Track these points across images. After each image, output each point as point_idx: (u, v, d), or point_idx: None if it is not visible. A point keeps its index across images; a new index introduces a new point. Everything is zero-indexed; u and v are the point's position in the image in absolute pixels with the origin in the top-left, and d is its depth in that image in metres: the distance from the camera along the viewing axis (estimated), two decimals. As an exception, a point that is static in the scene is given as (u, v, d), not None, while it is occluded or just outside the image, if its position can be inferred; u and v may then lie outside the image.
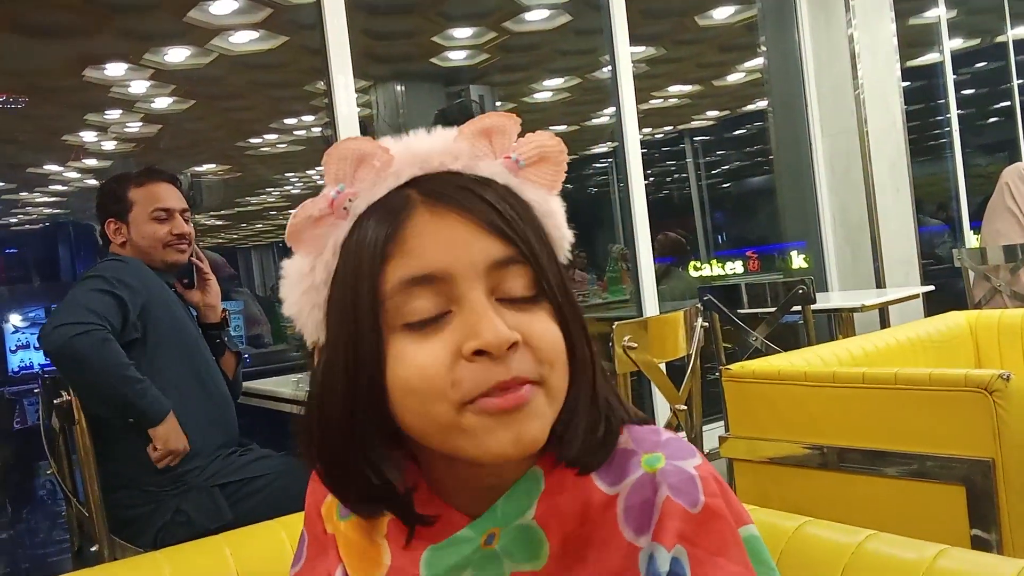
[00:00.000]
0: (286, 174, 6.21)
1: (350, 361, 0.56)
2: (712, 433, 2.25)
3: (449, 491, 0.61)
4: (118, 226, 2.04)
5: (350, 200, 0.57)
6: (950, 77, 5.12)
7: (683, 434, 2.24)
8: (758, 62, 5.01)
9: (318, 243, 0.58)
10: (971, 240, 5.07)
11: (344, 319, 0.56)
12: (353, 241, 0.57)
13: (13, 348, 3.33)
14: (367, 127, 3.70)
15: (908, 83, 4.54)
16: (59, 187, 4.62)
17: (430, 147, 0.58)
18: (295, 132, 5.22)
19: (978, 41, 5.99)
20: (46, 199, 4.66)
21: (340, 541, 0.65)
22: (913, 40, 5.06)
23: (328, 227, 0.58)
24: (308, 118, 4.82)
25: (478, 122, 0.59)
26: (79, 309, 1.77)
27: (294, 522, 0.96)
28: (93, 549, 1.81)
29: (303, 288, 0.59)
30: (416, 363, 0.54)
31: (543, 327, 0.56)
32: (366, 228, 0.56)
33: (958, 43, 5.54)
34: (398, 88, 4.30)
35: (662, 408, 3.31)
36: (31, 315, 3.59)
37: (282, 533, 0.95)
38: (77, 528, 2.06)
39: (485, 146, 0.59)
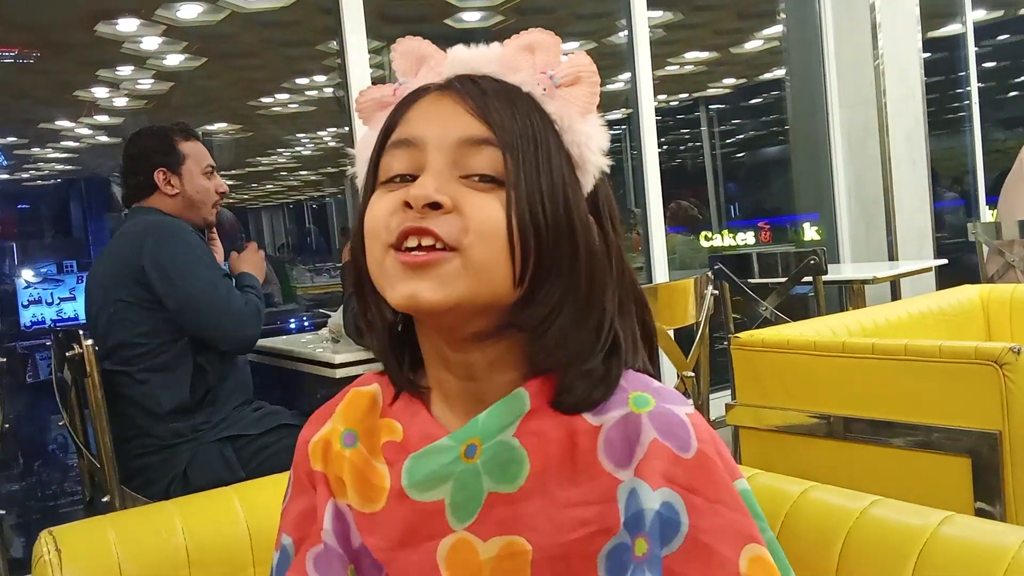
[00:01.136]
0: (297, 135, 6.19)
1: (357, 214, 0.64)
2: (718, 401, 2.26)
3: (443, 392, 0.65)
4: (168, 177, 2.03)
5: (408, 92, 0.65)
6: (971, 49, 5.04)
7: (690, 401, 2.25)
8: (777, 29, 4.94)
9: (380, 121, 0.66)
10: (987, 215, 5.02)
11: (366, 176, 0.65)
12: None
13: (25, 303, 3.36)
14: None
15: (928, 54, 4.47)
16: (71, 143, 4.62)
17: (474, 54, 0.65)
18: (307, 92, 5.19)
19: (1001, 13, 5.87)
20: (58, 155, 4.66)
21: (346, 468, 0.66)
22: (935, 11, 4.96)
23: (388, 112, 0.66)
24: (320, 78, 4.79)
25: (522, 37, 0.64)
26: (236, 304, 1.94)
27: (303, 476, 0.97)
28: (105, 500, 1.84)
29: (364, 158, 0.66)
30: (375, 210, 0.61)
31: (482, 203, 0.59)
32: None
33: (981, 14, 5.43)
34: (411, 49, 4.25)
35: (669, 375, 3.32)
36: (43, 271, 3.61)
37: (291, 486, 0.96)
38: (89, 479, 2.09)
39: (526, 59, 0.63)
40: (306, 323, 2.94)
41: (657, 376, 0.67)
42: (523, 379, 0.63)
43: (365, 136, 0.67)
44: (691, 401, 0.62)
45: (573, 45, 5.26)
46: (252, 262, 2.15)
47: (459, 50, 0.65)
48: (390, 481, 0.64)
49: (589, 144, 0.62)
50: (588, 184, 0.63)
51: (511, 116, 0.60)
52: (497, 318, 0.61)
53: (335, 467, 0.68)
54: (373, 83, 2.98)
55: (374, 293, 0.63)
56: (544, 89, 0.62)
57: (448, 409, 0.65)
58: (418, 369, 0.67)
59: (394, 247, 0.59)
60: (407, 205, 0.58)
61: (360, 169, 0.67)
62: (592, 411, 0.61)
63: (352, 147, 0.69)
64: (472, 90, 0.61)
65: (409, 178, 0.61)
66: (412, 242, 0.58)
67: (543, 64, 0.63)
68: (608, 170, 0.64)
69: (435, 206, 0.58)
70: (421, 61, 0.65)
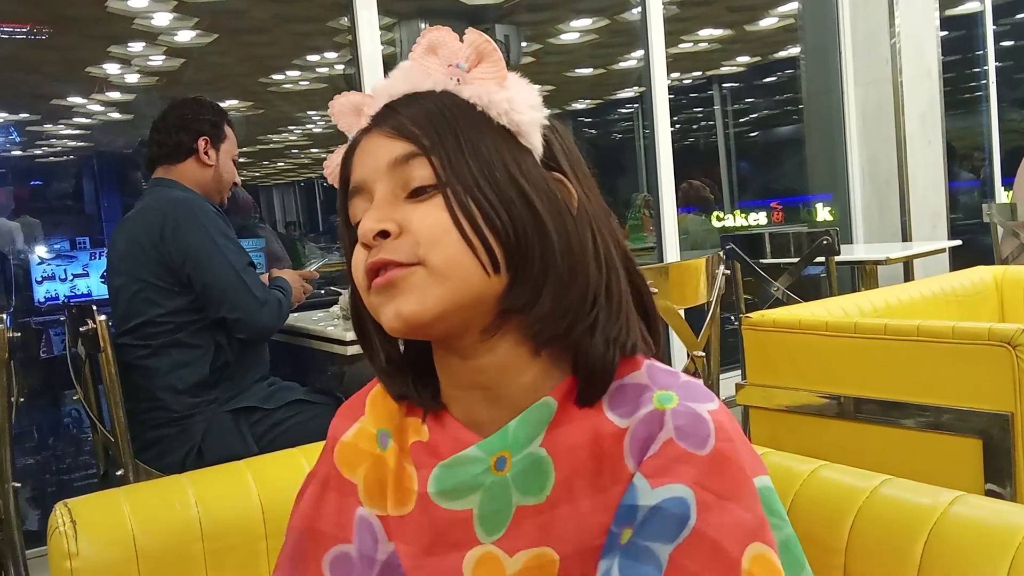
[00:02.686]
0: (308, 112, 6.17)
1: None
2: (728, 381, 2.25)
3: (459, 407, 0.65)
4: (207, 147, 2.06)
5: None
6: (990, 27, 4.97)
7: (700, 380, 2.25)
8: (792, 7, 4.88)
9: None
10: (1002, 196, 4.97)
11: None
12: None
13: (39, 279, 3.37)
14: (390, 66, 3.66)
15: (946, 32, 4.41)
16: (83, 119, 4.62)
17: (392, 80, 0.66)
18: (318, 69, 5.17)
19: (1021, -10, 5.78)
20: (70, 131, 4.67)
21: (384, 471, 0.66)
22: (954, -13, 4.90)
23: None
24: (331, 55, 4.77)
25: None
26: (260, 292, 1.96)
27: (314, 451, 0.98)
28: (119, 473, 1.86)
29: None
30: (353, 264, 0.63)
31: (424, 213, 0.60)
32: None
33: (1000, -8, 5.35)
34: (422, 25, 4.24)
35: (679, 354, 3.32)
36: (56, 247, 3.63)
37: (303, 461, 0.97)
38: (103, 453, 2.11)
39: (433, 61, 0.64)
40: (322, 293, 2.95)
41: (657, 345, 0.66)
42: (540, 377, 0.62)
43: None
44: (717, 397, 0.61)
45: (586, 22, 5.21)
46: (293, 279, 2.20)
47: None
48: (418, 484, 0.64)
49: (515, 107, 0.61)
50: (537, 144, 0.62)
51: (425, 121, 0.61)
52: (492, 310, 0.61)
53: (370, 471, 0.67)
54: (384, 60, 2.97)
55: (379, 334, 0.65)
56: (457, 80, 0.63)
57: (470, 417, 0.65)
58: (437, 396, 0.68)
59: (369, 286, 0.61)
60: (365, 246, 0.61)
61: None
62: (619, 413, 0.61)
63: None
64: (387, 116, 0.63)
65: None
66: (381, 276, 0.60)
67: (448, 58, 0.63)
68: (548, 121, 0.64)
69: (383, 234, 0.60)
70: (358, 111, 0.66)
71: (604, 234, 0.64)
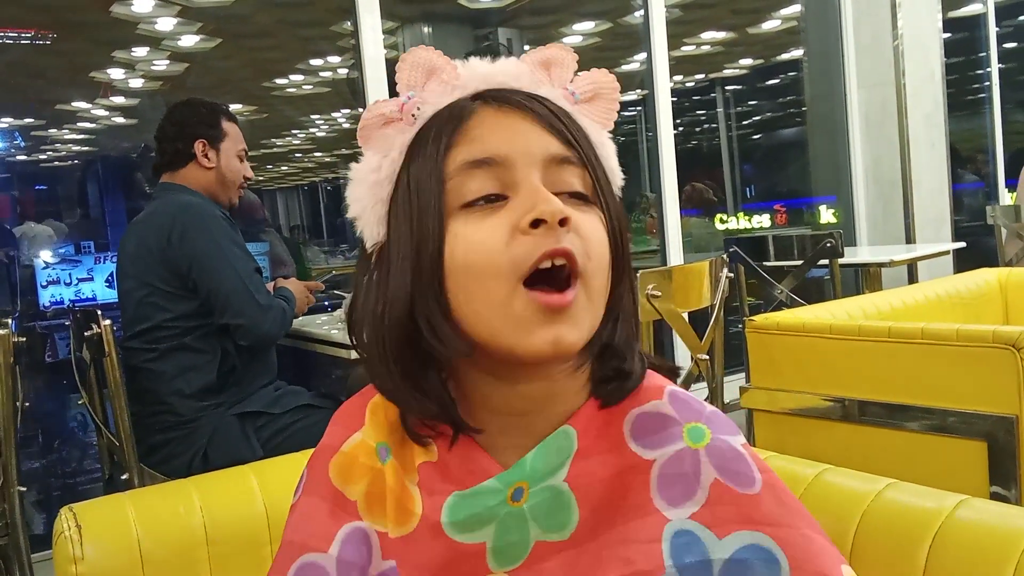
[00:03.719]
0: (311, 116, 6.19)
1: (414, 243, 0.57)
2: (732, 384, 2.25)
3: (484, 430, 0.61)
4: (206, 149, 2.04)
5: (418, 108, 0.60)
6: (992, 29, 4.96)
7: (704, 384, 2.25)
8: (795, 9, 4.88)
9: (386, 143, 0.61)
10: (1006, 198, 4.96)
11: (409, 203, 0.58)
12: (419, 141, 0.60)
13: (44, 284, 3.38)
14: (393, 69, 3.67)
15: (949, 34, 4.41)
16: (87, 124, 4.64)
17: (492, 68, 0.61)
18: (321, 74, 5.18)
19: (1024, -8, 5.78)
20: (75, 136, 4.68)
21: (383, 485, 0.62)
22: (956, -11, 4.90)
23: (396, 130, 0.61)
24: (334, 59, 4.78)
25: (538, 53, 0.62)
26: (264, 299, 1.95)
27: (319, 455, 0.98)
28: (124, 477, 1.86)
29: (369, 183, 0.61)
30: (476, 238, 0.55)
31: (592, 225, 0.57)
32: (432, 128, 0.59)
33: (1003, -7, 5.35)
34: (425, 30, 4.24)
35: (683, 357, 3.32)
36: (61, 251, 3.64)
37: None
38: (108, 457, 2.11)
39: (544, 75, 0.62)
40: (326, 304, 2.95)
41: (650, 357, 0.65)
42: (569, 404, 0.60)
43: (368, 161, 0.62)
44: (736, 425, 0.61)
45: (589, 25, 5.21)
46: (298, 288, 2.17)
47: (477, 64, 0.61)
48: (422, 508, 0.60)
49: (614, 159, 0.63)
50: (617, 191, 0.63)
51: (577, 131, 0.59)
52: None
53: (370, 486, 0.62)
54: (387, 64, 2.97)
55: (444, 331, 0.57)
56: (568, 104, 0.62)
57: (492, 442, 0.61)
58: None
59: (525, 282, 0.54)
60: (533, 225, 0.54)
61: (366, 195, 0.61)
62: (643, 444, 0.59)
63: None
64: (535, 104, 0.59)
65: (493, 198, 0.56)
66: (546, 264, 0.54)
67: (559, 80, 0.62)
68: (623, 183, 0.64)
69: (563, 222, 0.54)
70: (431, 73, 0.60)
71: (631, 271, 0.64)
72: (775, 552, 0.54)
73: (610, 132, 0.64)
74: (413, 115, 0.60)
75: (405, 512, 0.60)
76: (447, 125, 0.58)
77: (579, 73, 0.63)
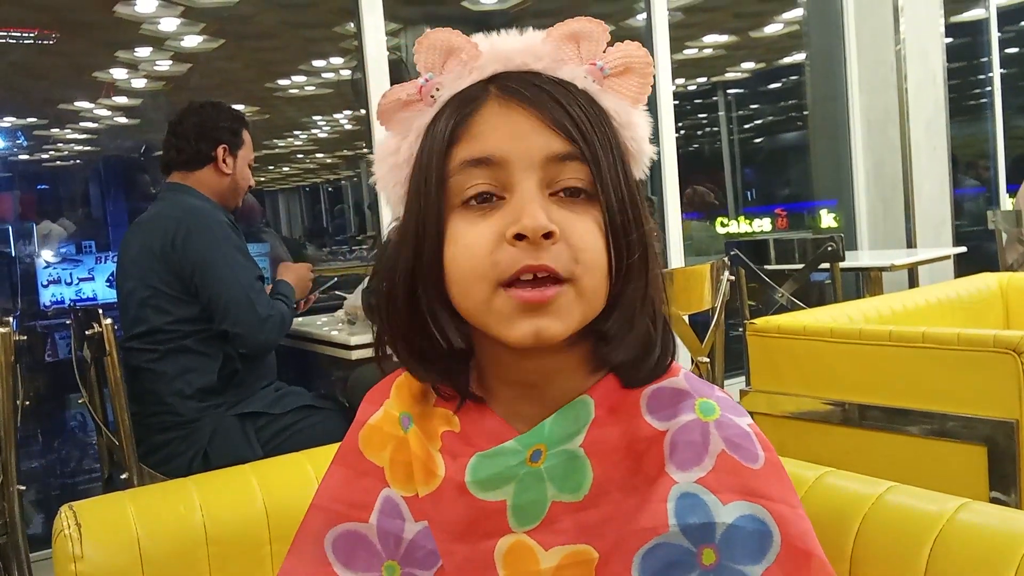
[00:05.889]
0: (314, 117, 6.18)
1: (418, 236, 0.60)
2: (733, 387, 2.25)
3: (499, 401, 0.64)
4: (226, 156, 2.06)
5: (437, 89, 0.61)
6: (995, 34, 4.96)
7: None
8: (797, 13, 4.88)
9: (405, 125, 0.62)
10: (1007, 203, 4.96)
11: (417, 195, 0.60)
12: (431, 128, 0.61)
13: (45, 283, 3.38)
14: (396, 71, 3.68)
15: (950, 39, 4.41)
16: (90, 124, 4.64)
17: (514, 46, 0.61)
18: (323, 75, 5.18)
19: (1027, -2, 5.77)
20: (77, 136, 4.68)
21: (411, 450, 0.65)
22: (959, -6, 4.90)
23: (415, 112, 0.62)
24: (337, 60, 4.78)
25: (566, 25, 0.61)
26: (263, 310, 1.95)
27: (320, 455, 0.98)
28: (123, 477, 1.86)
29: (389, 164, 0.63)
30: (465, 242, 0.58)
31: (585, 228, 0.58)
32: (442, 116, 0.60)
33: (1005, -1, 5.35)
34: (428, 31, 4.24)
35: (684, 360, 3.31)
36: (62, 251, 3.64)
37: (308, 467, 0.97)
38: (108, 457, 2.11)
39: (571, 50, 0.61)
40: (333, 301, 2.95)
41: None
42: (585, 379, 0.63)
43: (388, 142, 0.64)
44: (747, 413, 0.63)
45: (591, 28, 5.21)
46: (297, 275, 2.19)
47: (497, 42, 0.61)
48: (445, 471, 0.62)
49: (644, 135, 0.62)
50: (640, 175, 0.63)
51: (587, 123, 0.58)
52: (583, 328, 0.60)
53: (395, 453, 0.66)
54: (390, 65, 2.98)
55: (442, 320, 0.60)
56: (594, 81, 0.60)
57: (509, 411, 0.64)
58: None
59: (505, 285, 0.57)
60: (516, 238, 0.55)
61: (387, 176, 0.64)
62: (658, 416, 0.61)
63: (369, 136, 0.66)
64: (542, 98, 0.58)
65: (487, 196, 0.58)
66: (527, 276, 0.56)
67: (589, 54, 0.61)
68: (656, 157, 0.64)
69: (547, 236, 0.56)
70: (449, 54, 0.61)
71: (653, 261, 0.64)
72: (770, 525, 0.56)
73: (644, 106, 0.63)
74: (432, 96, 0.61)
75: (430, 474, 0.63)
76: (453, 118, 0.59)
77: (612, 45, 0.62)
